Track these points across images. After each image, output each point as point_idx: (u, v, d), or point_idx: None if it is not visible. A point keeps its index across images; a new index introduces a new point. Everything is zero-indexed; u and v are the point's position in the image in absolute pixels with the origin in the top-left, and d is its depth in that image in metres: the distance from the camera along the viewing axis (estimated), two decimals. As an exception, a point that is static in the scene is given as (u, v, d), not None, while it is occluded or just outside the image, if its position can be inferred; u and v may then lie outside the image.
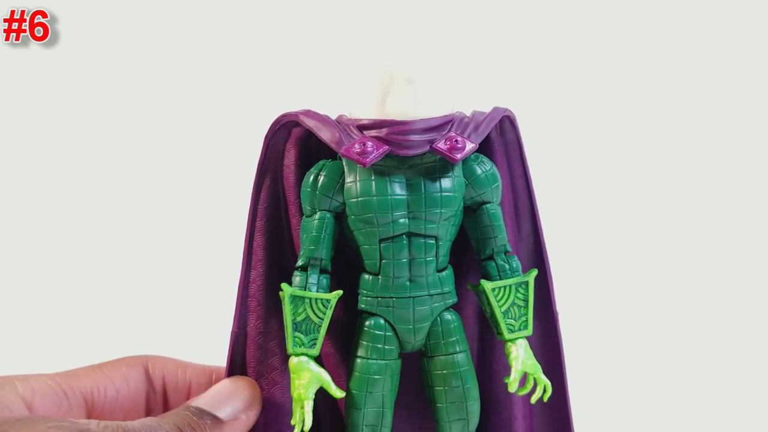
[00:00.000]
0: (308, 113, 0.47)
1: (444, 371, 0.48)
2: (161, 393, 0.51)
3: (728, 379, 0.77)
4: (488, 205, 0.48)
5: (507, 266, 0.48)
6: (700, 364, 0.78)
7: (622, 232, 0.85)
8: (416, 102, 0.45)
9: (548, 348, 0.50)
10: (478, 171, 0.47)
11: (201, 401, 0.46)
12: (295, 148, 0.49)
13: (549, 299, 0.50)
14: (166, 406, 0.52)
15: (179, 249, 0.83)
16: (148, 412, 0.51)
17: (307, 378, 0.46)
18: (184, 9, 0.85)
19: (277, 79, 0.75)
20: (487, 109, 0.48)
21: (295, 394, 0.46)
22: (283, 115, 0.48)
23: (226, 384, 0.47)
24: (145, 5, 0.85)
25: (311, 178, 0.47)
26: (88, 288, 0.84)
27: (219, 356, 0.51)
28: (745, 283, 0.85)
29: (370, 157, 0.45)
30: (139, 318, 0.70)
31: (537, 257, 0.51)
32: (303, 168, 0.49)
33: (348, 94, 0.47)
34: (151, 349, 0.52)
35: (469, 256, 0.50)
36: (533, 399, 0.48)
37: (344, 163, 0.47)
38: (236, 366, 0.49)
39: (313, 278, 0.47)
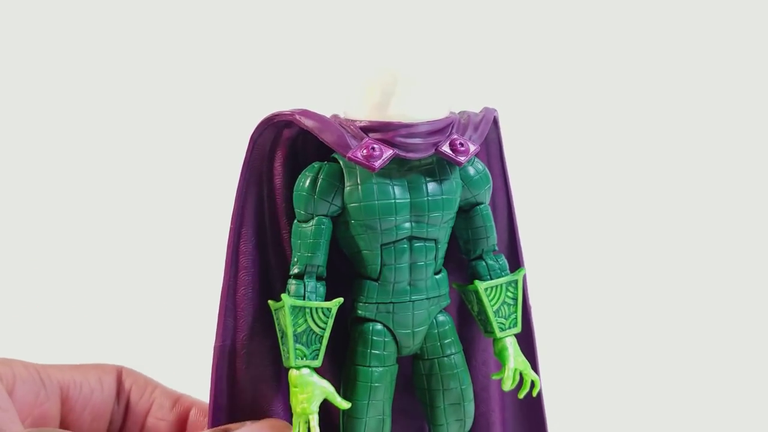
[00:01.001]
0: (306, 113, 0.44)
1: (442, 373, 0.47)
2: (124, 405, 0.50)
3: (702, 373, 0.80)
4: (481, 206, 0.48)
5: (496, 265, 0.49)
6: (673, 356, 0.81)
7: (595, 228, 0.88)
8: (418, 104, 0.44)
9: (521, 340, 0.51)
10: (473, 172, 0.47)
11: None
12: (283, 150, 0.46)
13: (523, 293, 0.51)
14: (125, 419, 0.51)
15: (157, 257, 0.78)
16: (110, 420, 0.50)
17: (311, 391, 0.44)
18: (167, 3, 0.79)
19: (266, 77, 0.71)
20: (468, 108, 0.48)
21: (298, 408, 0.44)
22: (275, 115, 0.45)
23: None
24: (134, 3, 0.78)
25: (308, 181, 0.45)
26: (64, 291, 0.79)
27: (198, 370, 0.48)
28: (712, 270, 0.89)
29: (379, 161, 0.43)
30: (114, 328, 0.65)
31: (512, 252, 0.51)
32: (291, 170, 0.46)
33: (344, 93, 0.45)
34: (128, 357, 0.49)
35: (449, 256, 0.50)
36: (521, 394, 0.49)
37: (343, 166, 0.45)
38: (222, 381, 0.46)
39: (310, 286, 0.45)
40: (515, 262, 0.51)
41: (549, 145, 0.87)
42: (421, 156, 0.44)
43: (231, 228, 0.46)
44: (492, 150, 0.50)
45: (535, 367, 0.51)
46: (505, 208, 0.51)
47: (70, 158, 0.86)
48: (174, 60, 0.84)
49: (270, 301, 0.46)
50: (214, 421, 0.46)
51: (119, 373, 0.51)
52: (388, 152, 0.43)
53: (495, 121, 0.49)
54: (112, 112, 0.85)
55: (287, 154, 0.46)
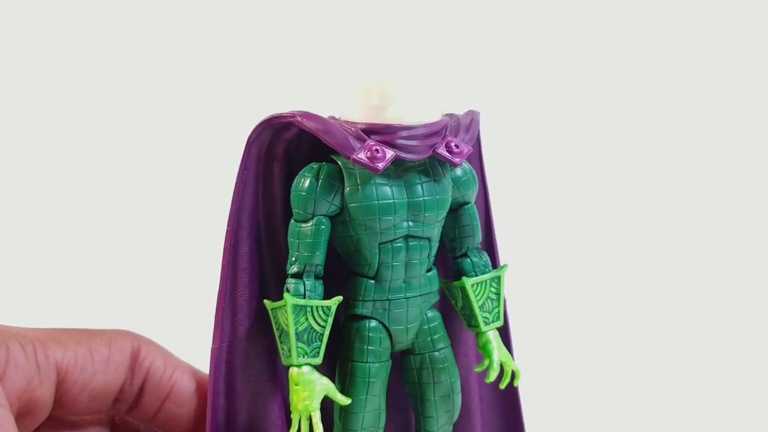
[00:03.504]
0: (307, 115, 0.45)
1: (433, 367, 0.49)
2: (138, 387, 0.47)
3: (677, 363, 0.83)
4: (468, 206, 0.50)
5: (480, 262, 0.51)
6: (644, 346, 0.83)
7: (570, 224, 0.89)
8: (416, 106, 0.46)
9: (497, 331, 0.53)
10: (461, 173, 0.49)
11: None
12: (280, 151, 0.47)
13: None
14: (139, 401, 0.48)
15: (153, 259, 0.76)
16: (116, 401, 0.47)
17: (313, 388, 0.45)
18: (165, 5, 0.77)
19: (262, 79, 0.70)
20: (455, 110, 0.50)
21: (300, 405, 0.45)
22: (274, 116, 0.45)
23: None
24: (129, 6, 0.75)
25: (307, 181, 0.46)
26: (63, 292, 0.77)
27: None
28: (689, 262, 0.91)
29: (382, 163, 0.44)
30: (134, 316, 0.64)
31: (489, 249, 0.53)
32: (286, 172, 0.47)
33: (341, 95, 0.46)
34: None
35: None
36: (502, 384, 0.51)
37: (342, 167, 0.46)
38: (219, 382, 0.46)
39: (309, 285, 0.46)
40: (492, 258, 0.53)
41: (529, 144, 0.90)
42: (420, 157, 0.46)
43: (228, 230, 0.46)
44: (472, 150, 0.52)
45: (507, 341, 0.54)
46: (483, 207, 0.53)
47: (70, 159, 0.85)
48: (171, 62, 0.83)
49: (266, 301, 0.46)
50: (213, 423, 0.47)
51: (135, 352, 0.47)
52: (390, 154, 0.44)
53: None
54: (110, 114, 0.84)
55: (283, 155, 0.47)
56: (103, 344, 0.46)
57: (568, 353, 0.80)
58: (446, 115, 0.49)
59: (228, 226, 0.46)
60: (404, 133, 0.45)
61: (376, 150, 0.44)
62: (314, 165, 0.46)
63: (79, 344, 0.45)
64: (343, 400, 0.46)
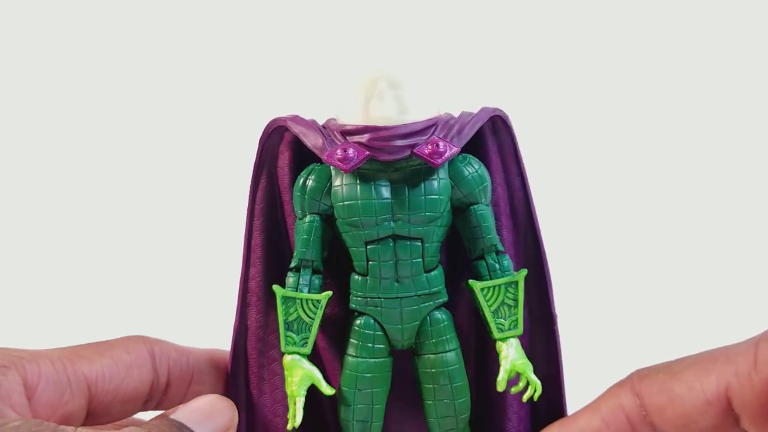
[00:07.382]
0: (295, 119, 0.48)
1: (432, 369, 0.48)
2: (164, 383, 0.51)
3: None
4: (476, 206, 0.48)
5: (497, 266, 0.48)
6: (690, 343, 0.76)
7: (620, 230, 0.84)
8: (400, 106, 0.46)
9: (547, 351, 0.50)
10: (465, 172, 0.47)
11: (181, 415, 0.46)
12: (288, 151, 0.50)
13: (547, 301, 0.50)
14: (166, 395, 0.51)
15: (182, 248, 0.85)
16: (147, 401, 0.51)
17: (299, 375, 0.48)
18: (169, 9, 0.86)
19: (275, 83, 0.76)
20: (476, 110, 0.48)
21: (288, 390, 0.48)
22: (274, 120, 0.49)
23: (208, 401, 0.47)
24: (134, 10, 0.87)
25: (301, 182, 0.48)
26: (91, 285, 0.85)
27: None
28: (746, 283, 0.82)
29: (351, 163, 0.45)
30: (144, 315, 0.73)
31: (535, 257, 0.50)
32: (297, 169, 0.50)
33: (336, 98, 0.47)
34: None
35: (464, 255, 0.50)
36: (525, 398, 0.48)
37: (331, 167, 0.48)
38: (239, 357, 0.51)
39: (304, 279, 0.48)
40: (539, 265, 0.50)
41: (571, 144, 0.81)
42: (397, 158, 0.46)
43: (246, 225, 0.51)
44: (506, 149, 0.50)
45: (558, 375, 0.50)
46: (525, 209, 0.50)
47: (94, 163, 0.89)
48: (181, 67, 0.86)
49: (274, 286, 0.49)
50: (234, 382, 0.51)
51: (151, 353, 0.49)
52: (363, 155, 0.45)
53: (504, 121, 0.49)
54: (125, 119, 0.88)
55: (293, 154, 0.50)
56: (122, 351, 0.48)
57: (624, 370, 0.70)
58: (463, 113, 0.48)
59: (246, 222, 0.51)
60: (382, 134, 0.45)
61: (347, 150, 0.45)
62: (310, 166, 0.49)
63: (102, 356, 0.47)
64: (326, 390, 0.48)
